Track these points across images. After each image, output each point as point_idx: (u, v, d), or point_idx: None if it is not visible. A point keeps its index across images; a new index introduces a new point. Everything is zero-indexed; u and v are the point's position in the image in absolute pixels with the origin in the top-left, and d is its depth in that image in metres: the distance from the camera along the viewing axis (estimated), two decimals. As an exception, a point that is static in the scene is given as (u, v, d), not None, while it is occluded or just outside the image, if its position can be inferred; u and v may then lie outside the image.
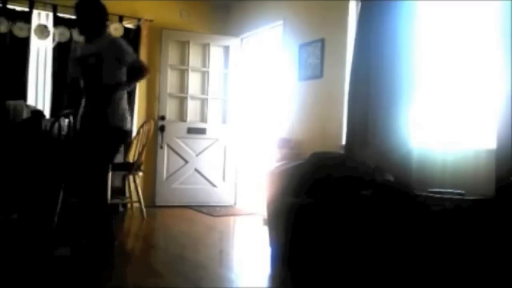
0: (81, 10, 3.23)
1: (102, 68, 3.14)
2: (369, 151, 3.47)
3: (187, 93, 5.76)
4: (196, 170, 5.75)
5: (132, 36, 5.43)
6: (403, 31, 3.37)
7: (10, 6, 4.87)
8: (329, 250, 2.85)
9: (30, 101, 4.96)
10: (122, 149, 5.20)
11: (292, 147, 4.53)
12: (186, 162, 5.72)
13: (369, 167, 3.32)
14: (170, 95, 5.72)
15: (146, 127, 4.82)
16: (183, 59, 5.76)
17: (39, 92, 5.12)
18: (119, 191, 5.20)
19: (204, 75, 5.86)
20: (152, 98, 5.66)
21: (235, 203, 5.90)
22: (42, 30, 5.00)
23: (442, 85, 3.40)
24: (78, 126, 3.28)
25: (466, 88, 3.24)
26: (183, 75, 5.78)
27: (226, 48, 5.87)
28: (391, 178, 3.17)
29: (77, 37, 5.12)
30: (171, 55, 5.69)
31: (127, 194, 5.17)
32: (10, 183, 4.20)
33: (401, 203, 2.69)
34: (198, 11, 5.95)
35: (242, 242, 4.26)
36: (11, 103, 4.42)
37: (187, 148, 5.72)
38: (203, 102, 5.85)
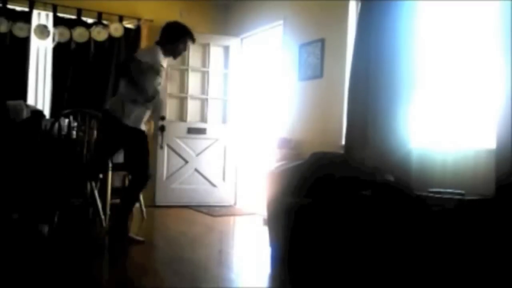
0: (168, 31, 3.70)
1: None
2: (369, 151, 3.47)
3: (187, 93, 5.76)
4: (196, 170, 5.75)
5: (132, 36, 5.44)
6: (403, 31, 3.37)
7: (10, 6, 4.88)
8: (329, 251, 2.85)
9: (30, 101, 4.97)
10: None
11: (292, 147, 4.53)
12: (186, 162, 5.72)
13: (369, 167, 3.32)
14: (170, 95, 5.72)
15: (146, 127, 4.81)
16: (183, 59, 5.74)
17: (39, 92, 5.13)
18: (119, 191, 5.19)
19: (204, 75, 5.86)
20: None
21: (235, 203, 5.90)
22: (42, 30, 5.00)
23: (442, 85, 3.40)
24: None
25: (466, 88, 3.24)
26: (183, 75, 5.78)
27: (226, 48, 5.87)
28: (392, 178, 3.17)
29: (77, 37, 5.13)
30: (171, 55, 5.68)
31: (127, 194, 5.16)
32: (10, 183, 4.20)
33: (401, 203, 2.69)
34: (198, 11, 5.95)
35: (242, 242, 4.26)
36: (11, 103, 4.42)
37: (187, 148, 5.72)
38: (203, 102, 5.85)
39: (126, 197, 3.72)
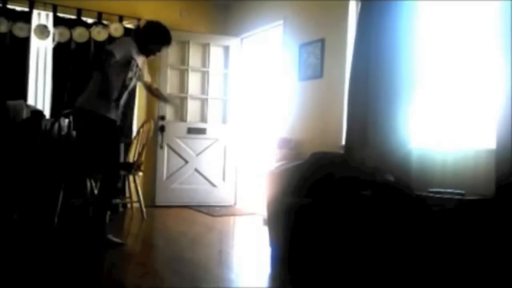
0: (148, 31, 3.66)
1: None
2: (369, 152, 3.47)
3: (187, 93, 5.76)
4: (196, 170, 5.75)
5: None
6: (403, 31, 3.37)
7: (10, 6, 4.87)
8: (329, 251, 2.85)
9: (30, 101, 4.96)
10: (122, 149, 5.22)
11: (292, 147, 4.53)
12: (186, 162, 5.72)
13: (369, 167, 3.32)
14: (170, 95, 5.71)
15: (146, 127, 4.82)
16: (183, 59, 5.76)
17: (39, 92, 5.12)
18: (119, 191, 5.20)
19: (204, 75, 5.86)
20: (152, 98, 5.64)
21: (235, 203, 5.90)
22: (42, 30, 4.99)
23: (442, 85, 3.40)
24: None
25: (466, 88, 3.24)
26: (183, 75, 5.79)
27: (226, 48, 5.87)
28: (392, 178, 3.17)
29: (77, 37, 5.13)
30: (171, 55, 5.69)
31: (127, 194, 5.17)
32: (10, 183, 4.20)
33: (401, 203, 2.69)
34: (198, 11, 5.95)
35: (242, 242, 4.26)
36: (11, 103, 4.42)
37: (187, 148, 5.72)
38: (203, 102, 5.85)
39: (102, 197, 3.56)
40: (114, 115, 3.53)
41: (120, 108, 3.66)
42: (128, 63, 3.47)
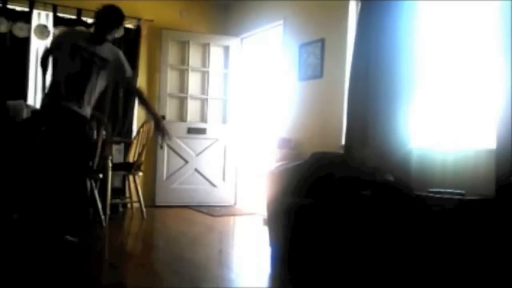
0: (102, 15, 3.48)
1: (100, 73, 3.52)
2: (369, 151, 3.47)
3: (187, 93, 5.77)
4: (196, 170, 5.75)
5: (132, 36, 5.43)
6: (403, 31, 3.37)
7: (10, 6, 4.87)
8: (329, 251, 2.85)
9: (30, 101, 4.96)
10: (122, 149, 5.20)
11: (292, 147, 4.53)
12: (186, 162, 5.72)
13: (369, 167, 3.32)
14: (170, 95, 5.72)
15: (146, 127, 4.82)
16: (183, 59, 5.76)
17: (39, 92, 5.12)
18: (119, 191, 5.20)
19: (204, 75, 5.86)
20: (152, 98, 5.65)
21: (235, 203, 5.90)
22: (42, 30, 5.00)
23: (442, 85, 3.40)
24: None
25: (466, 88, 3.24)
26: (183, 75, 5.79)
27: (226, 48, 5.87)
28: (391, 178, 3.17)
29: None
30: (171, 55, 5.69)
31: (127, 194, 5.17)
32: (10, 183, 4.20)
33: (401, 203, 2.69)
34: (198, 11, 5.95)
35: (242, 242, 4.26)
36: (11, 103, 4.42)
37: (187, 148, 5.72)
38: (203, 102, 5.85)
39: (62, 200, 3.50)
40: (85, 111, 3.46)
41: (88, 101, 3.51)
42: (72, 51, 3.40)
